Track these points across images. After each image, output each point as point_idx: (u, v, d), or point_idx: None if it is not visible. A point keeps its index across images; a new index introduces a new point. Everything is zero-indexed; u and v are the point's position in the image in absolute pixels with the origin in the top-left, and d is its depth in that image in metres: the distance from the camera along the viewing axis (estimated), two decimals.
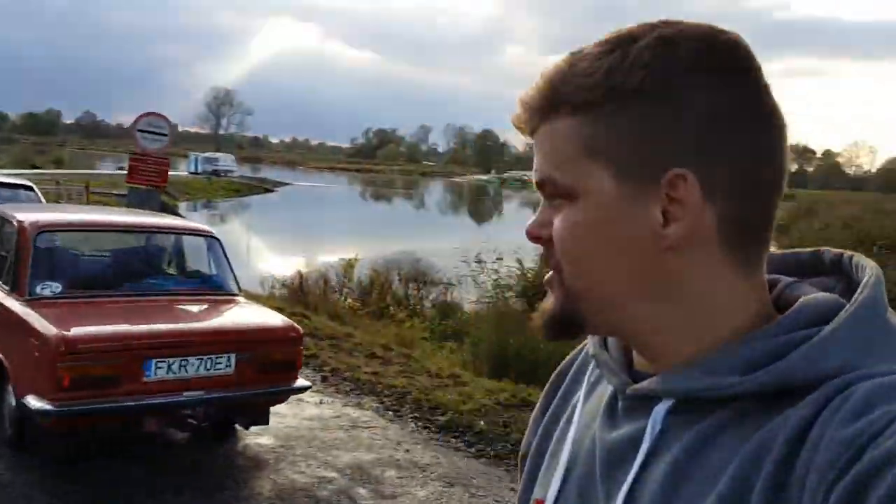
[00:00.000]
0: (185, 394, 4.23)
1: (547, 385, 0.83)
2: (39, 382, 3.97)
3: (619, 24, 0.64)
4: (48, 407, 3.86)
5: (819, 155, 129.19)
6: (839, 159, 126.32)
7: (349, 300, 12.61)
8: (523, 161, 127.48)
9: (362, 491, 4.36)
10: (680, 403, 0.61)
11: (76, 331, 4.03)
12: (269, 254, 20.38)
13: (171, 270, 5.50)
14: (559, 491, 0.70)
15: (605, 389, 0.70)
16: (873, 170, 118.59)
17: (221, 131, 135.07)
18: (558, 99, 0.62)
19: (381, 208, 50.28)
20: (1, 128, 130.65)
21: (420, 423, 5.59)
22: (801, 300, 0.61)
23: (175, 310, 4.88)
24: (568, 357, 0.82)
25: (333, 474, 4.54)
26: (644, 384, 0.63)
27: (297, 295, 11.81)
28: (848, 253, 0.66)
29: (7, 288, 4.58)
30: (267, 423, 4.84)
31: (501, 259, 13.16)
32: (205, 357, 4.30)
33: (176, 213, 17.39)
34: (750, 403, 0.57)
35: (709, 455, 0.58)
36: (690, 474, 0.58)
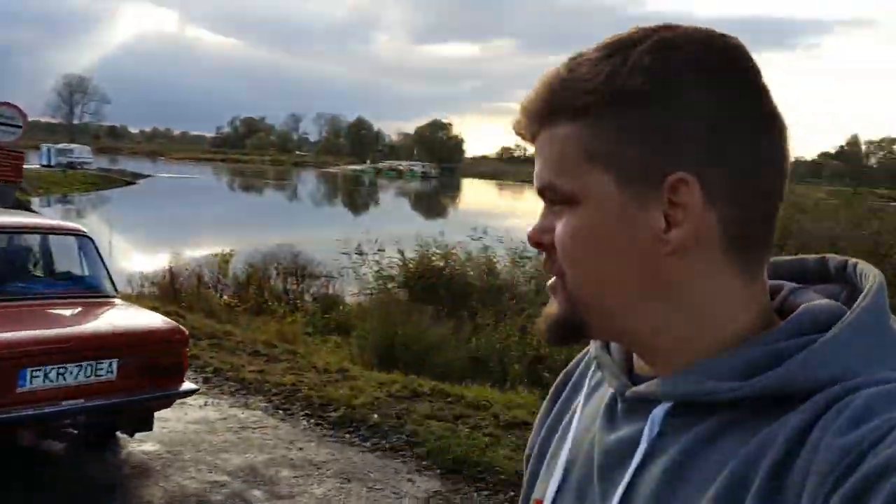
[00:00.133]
0: (65, 403, 3.99)
1: (552, 387, 0.84)
2: None
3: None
4: None
5: None
6: None
7: (225, 297, 12.24)
8: (398, 150, 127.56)
9: (257, 493, 4.27)
10: (678, 406, 0.61)
11: None
12: (134, 250, 19.36)
13: (40, 273, 5.16)
14: (557, 491, 0.71)
15: (606, 391, 0.71)
16: None
17: (75, 121, 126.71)
18: (558, 104, 0.62)
19: (251, 200, 48.89)
20: None
21: (312, 421, 5.52)
22: (802, 306, 0.61)
23: (49, 314, 4.58)
24: (573, 360, 0.83)
25: (225, 478, 4.42)
26: (643, 387, 0.64)
27: (169, 293, 11.34)
28: (853, 260, 0.66)
29: None
30: (151, 428, 4.65)
31: (383, 250, 13.14)
32: (85, 363, 4.07)
33: (29, 209, 16.23)
34: (748, 408, 0.57)
35: (705, 458, 0.58)
36: (686, 476, 0.58)
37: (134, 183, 50.08)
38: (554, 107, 0.63)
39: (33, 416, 3.91)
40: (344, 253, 13.11)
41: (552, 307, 0.67)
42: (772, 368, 0.56)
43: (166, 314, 5.43)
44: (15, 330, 4.14)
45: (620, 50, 0.60)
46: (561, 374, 0.84)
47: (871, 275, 0.62)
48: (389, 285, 11.86)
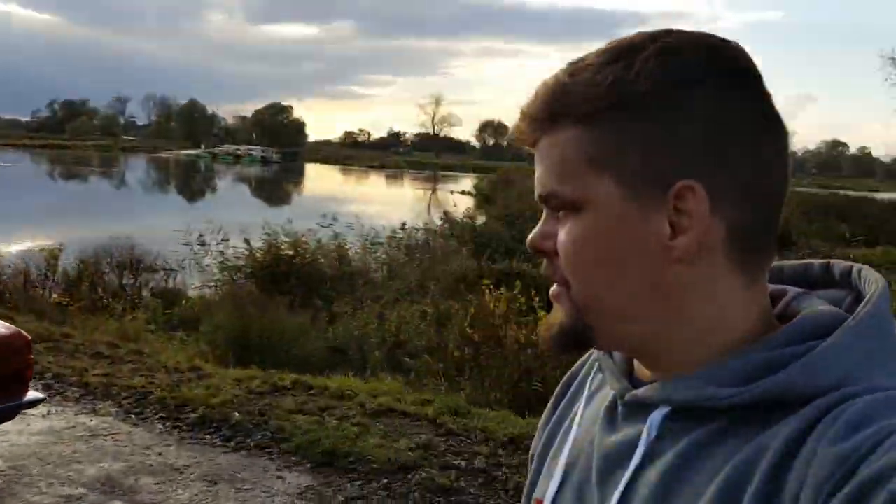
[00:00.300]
0: None
1: (557, 389, 0.85)
2: None
3: None
4: None
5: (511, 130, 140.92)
6: None
7: (55, 295, 11.38)
8: (235, 134, 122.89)
9: (118, 503, 4.06)
10: (678, 411, 0.61)
11: None
12: None
13: None
14: (557, 492, 0.72)
15: (607, 394, 0.71)
16: None
17: None
18: (561, 110, 0.62)
19: (77, 188, 45.41)
20: None
21: (169, 424, 5.29)
22: (802, 313, 0.61)
23: None
24: (577, 363, 0.84)
25: (81, 490, 4.16)
26: (642, 391, 0.64)
27: None
28: (857, 266, 0.66)
29: None
30: None
31: (227, 240, 12.72)
32: None
33: None
34: (746, 414, 0.57)
35: (702, 462, 0.58)
36: (684, 480, 0.59)
37: None
38: (556, 112, 0.62)
39: None
40: (184, 244, 12.59)
41: (556, 315, 0.66)
42: (770, 375, 0.57)
43: None
44: None
45: (624, 56, 0.60)
46: (565, 376, 0.84)
47: (874, 281, 0.62)
48: (236, 276, 11.52)
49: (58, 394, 5.81)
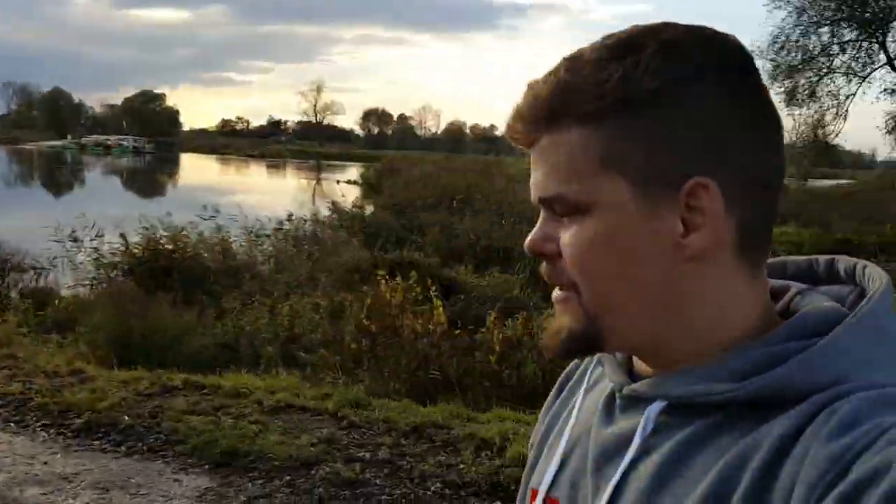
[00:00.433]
0: None
1: (557, 381, 0.85)
2: None
3: None
4: None
5: (395, 118, 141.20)
6: (412, 122, 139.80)
7: None
8: (104, 123, 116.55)
9: None
10: (674, 405, 0.62)
11: None
12: None
13: None
14: (552, 482, 0.72)
15: (606, 386, 0.71)
16: (439, 132, 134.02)
17: None
18: (563, 109, 0.60)
19: None
20: None
21: (52, 431, 5.01)
22: (804, 309, 0.62)
23: None
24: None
25: None
26: (640, 385, 0.64)
27: None
28: (862, 262, 0.65)
29: None
30: None
31: (102, 236, 12.16)
32: None
33: None
34: (743, 409, 0.58)
35: (696, 457, 0.58)
36: (677, 474, 0.59)
37: None
38: (558, 111, 0.60)
39: None
40: (55, 241, 11.91)
41: (562, 321, 0.65)
42: (766, 371, 0.57)
43: None
44: None
45: (627, 52, 0.59)
46: (566, 368, 0.84)
47: (878, 277, 0.62)
48: (113, 273, 11.02)
49: None
